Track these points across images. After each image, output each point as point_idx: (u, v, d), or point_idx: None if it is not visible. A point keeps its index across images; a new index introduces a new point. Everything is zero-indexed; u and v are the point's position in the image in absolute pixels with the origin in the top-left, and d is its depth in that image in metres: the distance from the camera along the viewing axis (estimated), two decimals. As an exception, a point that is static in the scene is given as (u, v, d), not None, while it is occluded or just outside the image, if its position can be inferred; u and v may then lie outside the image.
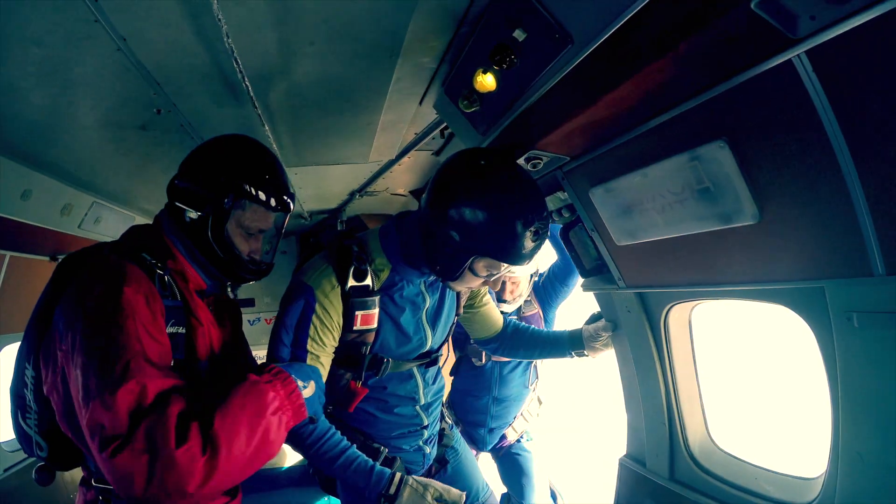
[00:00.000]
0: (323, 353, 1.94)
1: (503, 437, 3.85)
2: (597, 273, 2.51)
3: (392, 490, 1.86)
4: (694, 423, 2.44)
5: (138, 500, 1.24)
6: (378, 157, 3.51)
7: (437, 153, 3.55)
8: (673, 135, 1.68)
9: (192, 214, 1.68)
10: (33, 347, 1.54)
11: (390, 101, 2.40)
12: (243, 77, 1.81)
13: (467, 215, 1.75)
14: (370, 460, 1.94)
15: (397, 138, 3.10)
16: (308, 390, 1.63)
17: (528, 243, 1.79)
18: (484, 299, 2.65)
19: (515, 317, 3.68)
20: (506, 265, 1.87)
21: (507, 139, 2.07)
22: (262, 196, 1.72)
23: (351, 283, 1.94)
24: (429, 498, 1.85)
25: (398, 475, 1.89)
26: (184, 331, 1.60)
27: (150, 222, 1.80)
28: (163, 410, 1.28)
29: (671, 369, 2.43)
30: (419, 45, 1.91)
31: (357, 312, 1.97)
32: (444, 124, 2.78)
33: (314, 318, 1.90)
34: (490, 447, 3.88)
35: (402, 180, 4.32)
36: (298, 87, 2.17)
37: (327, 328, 1.93)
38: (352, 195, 4.69)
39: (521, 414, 3.86)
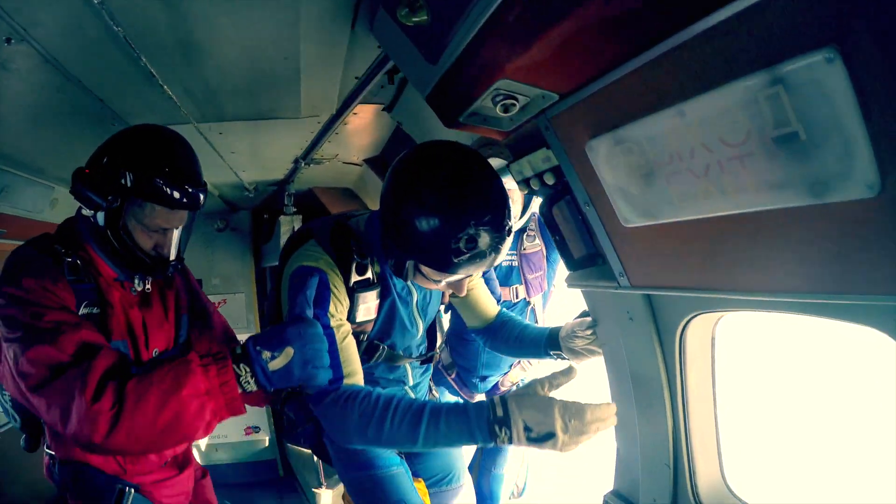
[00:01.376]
0: (343, 322, 1.88)
1: (496, 385, 3.75)
2: (589, 264, 1.83)
3: (500, 412, 1.55)
4: (706, 464, 1.86)
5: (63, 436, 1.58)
6: (313, 112, 2.99)
7: (389, 108, 2.92)
8: (734, 43, 1.04)
9: (86, 212, 1.78)
10: None
11: (307, 27, 1.94)
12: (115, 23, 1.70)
13: (402, 219, 1.68)
14: (452, 402, 1.68)
15: (331, 84, 2.58)
16: (277, 361, 1.54)
17: (465, 253, 1.63)
18: (472, 283, 2.43)
19: (513, 255, 3.53)
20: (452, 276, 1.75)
21: (468, 66, 1.45)
22: (161, 192, 1.74)
23: (354, 278, 1.93)
24: (541, 391, 1.60)
25: (495, 398, 1.60)
26: (97, 311, 1.76)
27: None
28: (89, 362, 1.50)
29: (684, 399, 1.81)
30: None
31: (360, 306, 1.97)
32: (391, 64, 2.20)
33: (331, 294, 1.85)
34: (482, 392, 3.78)
35: (354, 145, 3.89)
36: (185, 29, 1.89)
37: (341, 306, 1.89)
38: (296, 163, 4.23)
39: (520, 363, 3.71)
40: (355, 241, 1.94)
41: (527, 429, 1.50)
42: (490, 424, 1.52)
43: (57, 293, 1.62)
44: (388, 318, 2.07)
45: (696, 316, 1.65)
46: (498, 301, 3.24)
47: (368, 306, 1.98)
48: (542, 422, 1.50)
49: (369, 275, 1.95)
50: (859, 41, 0.86)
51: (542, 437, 1.49)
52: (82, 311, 1.70)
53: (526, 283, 3.51)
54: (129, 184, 1.70)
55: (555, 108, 1.53)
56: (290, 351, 1.53)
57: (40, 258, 1.67)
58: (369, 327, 2.04)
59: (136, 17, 1.71)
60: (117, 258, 1.80)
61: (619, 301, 1.84)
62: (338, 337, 1.78)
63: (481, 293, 2.47)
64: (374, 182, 4.23)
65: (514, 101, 1.52)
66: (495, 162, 1.99)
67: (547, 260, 3.59)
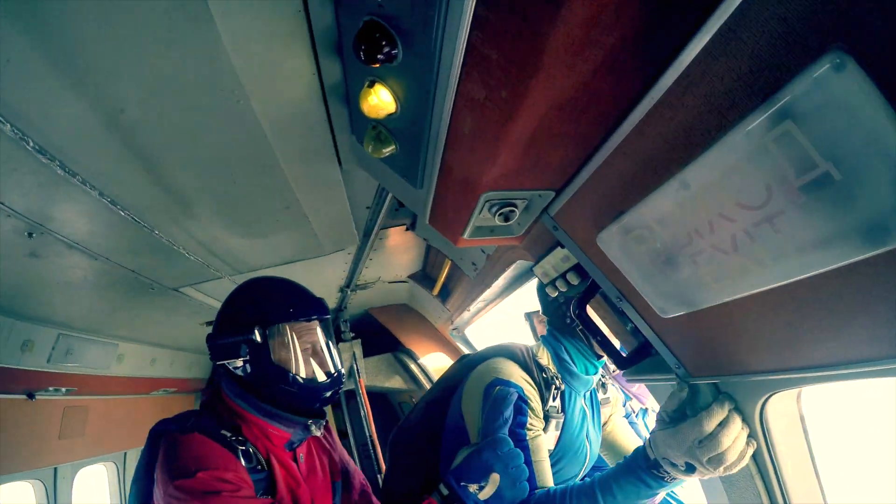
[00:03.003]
0: (539, 433, 1.79)
1: None
2: (643, 356, 1.62)
3: (651, 455, 1.54)
4: None
5: None
6: (338, 246, 3.00)
7: (412, 227, 2.83)
8: (717, 83, 0.91)
9: (238, 363, 1.67)
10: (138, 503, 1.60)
11: (296, 175, 1.98)
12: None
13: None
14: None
15: (343, 219, 2.57)
16: (486, 490, 1.53)
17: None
18: (613, 418, 2.28)
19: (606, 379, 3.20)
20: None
21: (450, 186, 1.36)
22: (285, 309, 1.72)
23: (550, 403, 1.86)
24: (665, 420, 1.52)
25: (646, 441, 1.58)
26: (271, 500, 1.59)
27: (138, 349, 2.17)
28: None
29: (780, 483, 1.53)
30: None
31: (550, 431, 1.86)
32: None
33: (528, 409, 1.77)
34: None
35: (393, 264, 3.90)
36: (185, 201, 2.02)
37: (538, 420, 1.81)
38: (342, 291, 4.30)
39: None
40: (544, 366, 1.91)
41: (672, 465, 1.47)
42: (650, 469, 1.52)
43: (241, 482, 1.53)
44: (562, 447, 1.95)
45: (773, 394, 1.41)
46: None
47: (553, 435, 1.89)
48: (677, 455, 1.44)
49: (558, 401, 1.90)
50: (869, 28, 0.69)
51: (688, 469, 1.44)
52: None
53: (633, 395, 3.33)
54: (260, 313, 1.69)
55: (555, 205, 1.40)
56: (495, 477, 1.53)
57: (212, 445, 1.56)
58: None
59: (137, 198, 1.80)
60: (287, 404, 1.70)
61: (681, 390, 1.59)
62: (532, 448, 1.74)
63: (623, 434, 2.28)
64: (423, 295, 4.17)
65: (513, 208, 1.40)
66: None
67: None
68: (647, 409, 3.26)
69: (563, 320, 1.90)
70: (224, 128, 1.62)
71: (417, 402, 2.20)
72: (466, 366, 2.02)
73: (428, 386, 4.84)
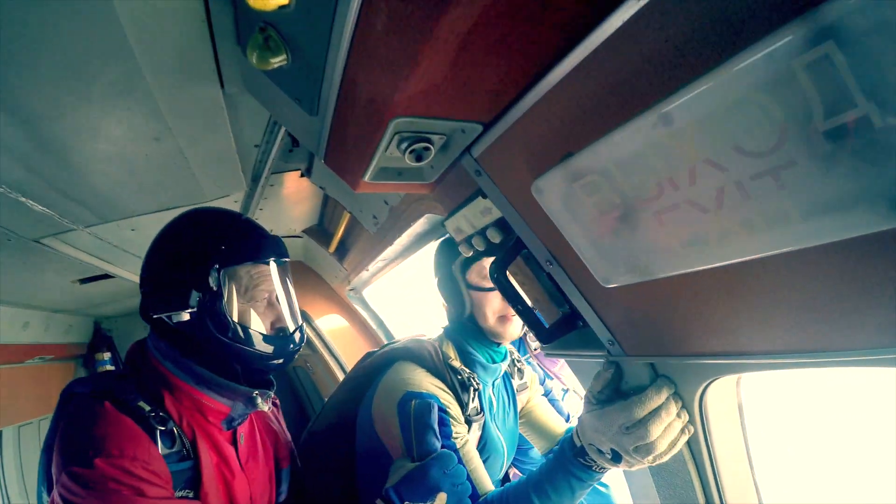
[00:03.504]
0: (465, 437, 1.67)
1: None
2: (567, 329, 1.39)
3: (577, 441, 1.43)
4: None
5: None
6: (222, 192, 2.54)
7: (308, 172, 2.50)
8: None
9: (183, 316, 1.36)
10: (46, 476, 1.29)
11: (173, 95, 1.57)
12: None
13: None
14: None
15: (227, 158, 2.15)
16: None
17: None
18: (532, 399, 2.17)
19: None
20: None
21: (352, 110, 1.07)
22: (243, 248, 1.42)
23: (471, 405, 1.75)
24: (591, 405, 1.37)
25: (574, 430, 1.45)
26: (193, 496, 1.32)
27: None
28: None
29: (714, 471, 1.37)
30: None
31: (472, 436, 1.75)
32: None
33: (449, 418, 1.64)
34: None
35: (286, 217, 3.51)
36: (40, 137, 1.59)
37: (460, 424, 1.69)
38: None
39: None
40: (458, 368, 1.77)
41: (599, 451, 1.35)
42: (576, 457, 1.42)
43: (150, 476, 1.24)
44: (485, 446, 1.85)
45: (715, 380, 1.23)
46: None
47: (475, 436, 1.78)
48: (603, 441, 1.31)
49: (477, 403, 1.78)
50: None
51: (613, 458, 1.32)
52: (178, 494, 1.31)
53: (555, 375, 3.26)
54: (207, 257, 1.38)
55: (480, 143, 1.13)
56: (442, 497, 1.41)
57: (122, 421, 1.25)
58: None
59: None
60: (233, 369, 1.44)
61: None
62: (465, 458, 1.61)
63: (544, 412, 2.17)
64: (319, 252, 3.81)
65: (428, 145, 1.12)
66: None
67: None
68: (567, 390, 3.13)
69: (462, 308, 1.80)
70: (77, 29, 1.22)
71: (325, 404, 2.05)
72: (374, 368, 1.88)
73: (324, 351, 4.55)
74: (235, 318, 1.39)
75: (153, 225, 2.77)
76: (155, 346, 1.42)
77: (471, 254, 1.47)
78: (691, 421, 1.29)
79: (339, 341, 4.45)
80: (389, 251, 2.60)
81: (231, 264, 1.40)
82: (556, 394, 2.36)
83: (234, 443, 1.47)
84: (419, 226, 2.07)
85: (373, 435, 1.70)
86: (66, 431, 1.24)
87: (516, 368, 2.09)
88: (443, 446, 1.54)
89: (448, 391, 1.71)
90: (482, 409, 1.80)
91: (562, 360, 3.10)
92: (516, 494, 1.51)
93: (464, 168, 1.22)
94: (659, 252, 0.92)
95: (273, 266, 1.49)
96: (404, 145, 1.11)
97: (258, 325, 1.43)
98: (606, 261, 1.02)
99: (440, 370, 1.73)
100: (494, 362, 1.84)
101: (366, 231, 2.63)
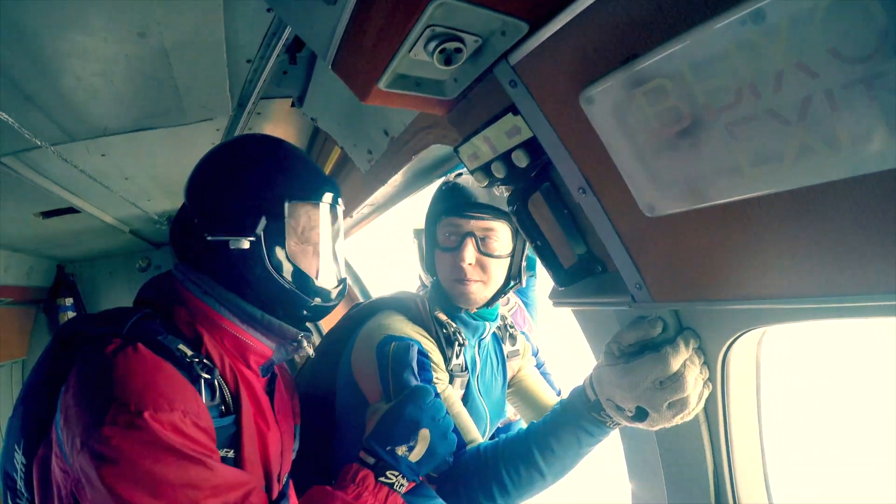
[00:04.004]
0: (447, 385, 1.59)
1: None
2: (583, 275, 1.30)
3: (591, 396, 1.32)
4: (753, 496, 1.37)
5: None
6: (204, 114, 2.37)
7: (299, 100, 2.36)
8: None
9: (243, 244, 1.23)
10: (24, 431, 1.16)
11: None
12: None
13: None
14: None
15: (216, 72, 1.98)
16: (417, 450, 1.27)
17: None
18: (524, 369, 2.08)
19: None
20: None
21: None
22: (312, 183, 1.34)
23: (454, 362, 1.66)
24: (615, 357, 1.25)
25: (586, 380, 1.35)
26: (234, 454, 1.19)
27: None
28: None
29: (727, 438, 1.30)
30: None
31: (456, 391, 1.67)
32: (288, 32, 1.71)
33: (430, 363, 1.55)
34: None
35: None
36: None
37: (443, 373, 1.60)
38: None
39: None
40: (444, 321, 1.68)
41: (618, 408, 1.25)
42: (590, 412, 1.32)
43: (206, 437, 1.10)
44: (468, 408, 1.73)
45: (745, 333, 1.15)
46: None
47: (457, 394, 1.69)
48: (627, 397, 1.20)
49: (462, 359, 1.70)
50: None
51: (637, 415, 1.22)
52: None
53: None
54: (279, 185, 1.28)
55: (521, 48, 1.00)
56: (425, 433, 1.29)
57: (165, 369, 1.10)
58: None
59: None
60: (282, 310, 1.32)
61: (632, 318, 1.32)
62: (446, 402, 1.52)
63: (535, 382, 2.07)
64: None
65: (460, 45, 0.99)
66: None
67: (521, 296, 3.06)
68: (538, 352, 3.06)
69: (433, 269, 1.73)
70: None
71: (304, 363, 1.96)
72: (354, 320, 1.80)
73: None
74: (292, 257, 1.31)
75: (125, 152, 2.66)
76: (191, 279, 1.28)
77: (486, 183, 1.35)
78: (711, 379, 1.21)
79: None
80: (379, 194, 2.47)
81: (301, 199, 1.32)
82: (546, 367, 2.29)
83: (270, 392, 1.41)
84: (418, 162, 1.94)
85: (353, 384, 1.62)
86: (92, 382, 1.05)
87: (508, 334, 2.01)
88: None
89: (431, 341, 1.64)
90: (466, 367, 1.72)
91: (529, 321, 2.99)
92: (513, 446, 1.41)
93: (496, 79, 1.09)
94: (722, 172, 0.82)
95: (338, 211, 1.42)
96: (433, 44, 0.98)
97: (310, 269, 1.35)
98: (657, 184, 0.92)
99: (425, 321, 1.66)
100: (483, 319, 1.75)
101: (355, 172, 2.49)
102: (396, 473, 1.25)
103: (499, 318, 1.86)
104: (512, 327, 2.04)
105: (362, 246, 3.92)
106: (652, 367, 1.15)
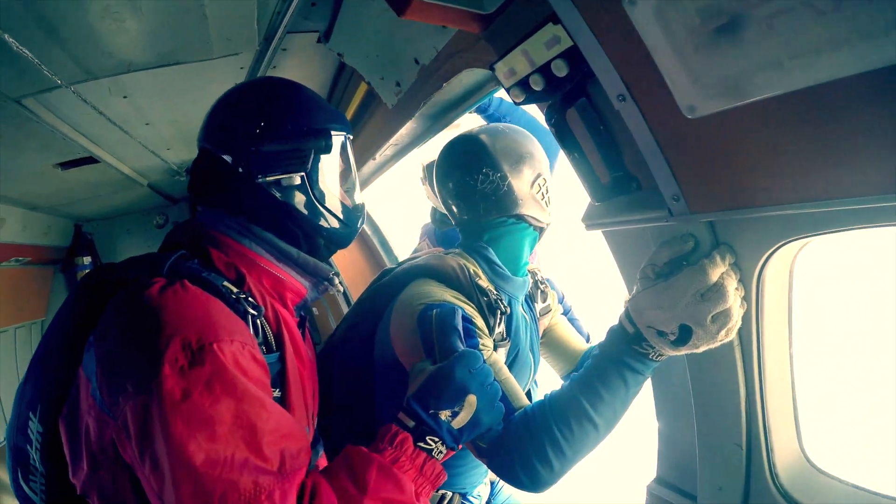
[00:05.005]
0: (492, 351, 1.50)
1: None
2: (619, 192, 1.33)
3: (629, 328, 1.29)
4: (783, 436, 1.39)
5: None
6: (229, 49, 2.33)
7: (326, 35, 2.35)
8: None
9: (295, 179, 1.26)
10: (42, 396, 1.11)
11: None
12: None
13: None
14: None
15: (243, 4, 1.95)
16: (462, 416, 1.18)
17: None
18: (554, 318, 2.03)
19: None
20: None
21: None
22: (338, 117, 1.37)
23: (497, 331, 1.58)
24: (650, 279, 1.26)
25: (622, 315, 1.33)
26: (280, 393, 1.18)
27: None
28: None
29: (760, 361, 1.31)
30: None
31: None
32: None
33: (476, 329, 1.47)
34: None
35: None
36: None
37: (488, 339, 1.51)
38: None
39: None
40: (485, 288, 1.59)
41: (660, 334, 1.21)
42: (632, 345, 1.28)
43: (257, 374, 1.06)
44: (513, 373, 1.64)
45: (784, 245, 1.15)
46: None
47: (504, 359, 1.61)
48: (668, 319, 1.18)
49: (503, 328, 1.60)
50: None
51: (680, 338, 1.19)
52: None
53: None
54: (319, 120, 1.30)
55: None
56: (472, 399, 1.20)
57: (217, 305, 1.08)
58: None
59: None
60: (315, 244, 1.33)
61: (666, 237, 1.32)
62: (493, 368, 1.39)
63: (564, 331, 2.03)
64: None
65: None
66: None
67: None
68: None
69: (478, 210, 1.62)
70: None
71: (337, 328, 1.87)
72: (387, 288, 1.71)
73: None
74: (333, 188, 1.34)
75: (148, 93, 2.65)
76: (224, 222, 1.26)
77: (522, 98, 1.36)
78: (745, 298, 1.22)
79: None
80: (404, 132, 2.48)
81: (337, 131, 1.33)
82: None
83: (302, 331, 1.39)
84: (446, 93, 1.95)
85: (393, 359, 1.57)
86: (140, 323, 1.01)
87: (539, 291, 1.94)
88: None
89: (473, 307, 1.56)
90: (508, 335, 1.65)
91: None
92: (561, 402, 1.34)
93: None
94: (762, 67, 0.84)
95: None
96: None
97: (345, 198, 1.38)
98: (698, 83, 0.94)
99: (467, 289, 1.58)
100: (520, 275, 1.71)
101: (381, 109, 2.49)
102: (436, 440, 1.16)
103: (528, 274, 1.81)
104: (543, 283, 1.98)
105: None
106: (691, 278, 1.15)
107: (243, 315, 1.12)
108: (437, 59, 1.76)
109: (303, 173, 1.26)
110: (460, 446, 1.21)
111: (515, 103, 1.39)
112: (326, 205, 1.31)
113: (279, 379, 1.19)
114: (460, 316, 1.45)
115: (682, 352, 1.21)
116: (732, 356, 1.32)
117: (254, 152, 1.23)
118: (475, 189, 1.59)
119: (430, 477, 1.16)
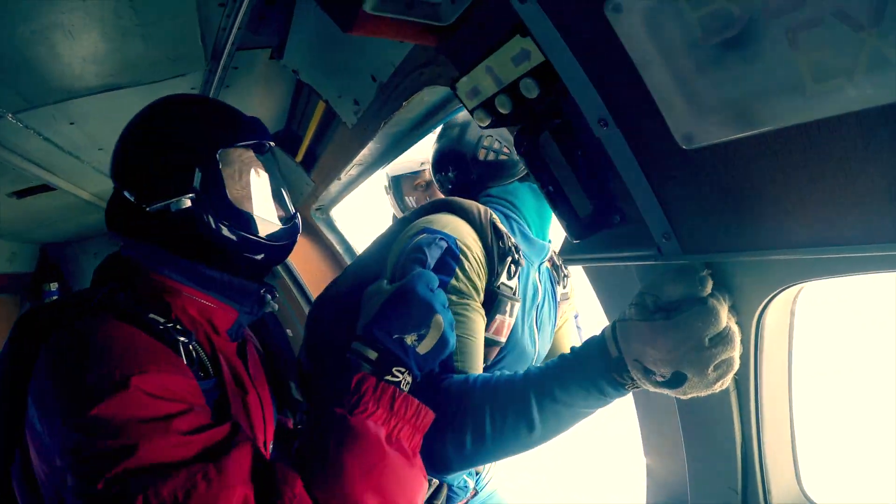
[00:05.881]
0: (475, 304, 1.37)
1: None
2: (601, 226, 1.16)
3: (613, 351, 1.09)
4: (781, 476, 1.26)
5: None
6: (178, 68, 2.20)
7: (278, 51, 2.20)
8: None
9: (186, 202, 1.15)
10: None
11: None
12: None
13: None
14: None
15: (186, 21, 1.83)
16: (428, 339, 1.06)
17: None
18: (567, 315, 1.99)
19: None
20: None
21: None
22: (235, 129, 1.25)
23: (503, 280, 1.43)
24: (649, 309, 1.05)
25: (607, 331, 1.12)
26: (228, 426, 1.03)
27: None
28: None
29: (757, 404, 1.17)
30: None
31: (497, 317, 1.44)
32: None
33: (457, 269, 1.34)
34: None
35: (262, 106, 3.03)
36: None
37: (478, 282, 1.38)
38: None
39: None
40: (503, 232, 1.46)
41: (646, 372, 1.03)
42: (610, 371, 1.09)
43: (193, 393, 1.02)
44: (513, 340, 1.54)
45: (784, 290, 1.00)
46: None
47: (502, 320, 1.47)
48: (664, 359, 0.99)
49: (515, 281, 1.47)
50: None
51: (673, 380, 1.01)
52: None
53: None
54: (204, 137, 1.20)
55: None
56: (439, 319, 1.08)
57: (141, 337, 1.03)
58: (491, 353, 1.50)
59: None
60: (236, 265, 1.24)
61: (654, 274, 1.17)
62: (459, 321, 1.31)
63: (567, 333, 1.98)
64: (285, 162, 3.38)
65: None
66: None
67: None
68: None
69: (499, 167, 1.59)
70: None
71: (346, 268, 1.74)
72: (407, 218, 1.60)
73: (286, 277, 4.24)
74: (239, 204, 1.23)
75: (95, 119, 2.47)
76: (141, 253, 1.20)
77: (487, 122, 1.19)
78: (743, 341, 1.05)
79: (301, 267, 4.15)
80: (367, 151, 2.30)
81: (231, 144, 1.23)
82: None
83: (242, 355, 1.30)
84: (409, 110, 1.79)
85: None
86: (67, 361, 0.96)
87: (562, 274, 1.82)
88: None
89: (481, 247, 1.44)
90: (517, 292, 1.51)
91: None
92: (507, 387, 1.18)
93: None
94: (780, 91, 0.68)
95: (271, 148, 1.34)
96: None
97: (260, 210, 1.27)
98: (698, 108, 0.77)
99: (483, 227, 1.46)
100: (544, 238, 1.62)
101: (342, 127, 2.33)
102: (402, 370, 1.05)
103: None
104: (565, 267, 1.84)
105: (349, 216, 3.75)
106: (703, 321, 0.97)
107: (172, 344, 1.06)
108: (395, 76, 1.61)
109: (191, 195, 1.17)
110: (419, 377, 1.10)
111: (480, 127, 1.23)
112: (236, 222, 1.21)
113: (218, 405, 1.12)
114: (443, 247, 1.35)
115: (666, 393, 1.05)
116: (728, 401, 1.19)
117: (139, 179, 1.18)
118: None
119: (406, 416, 1.03)
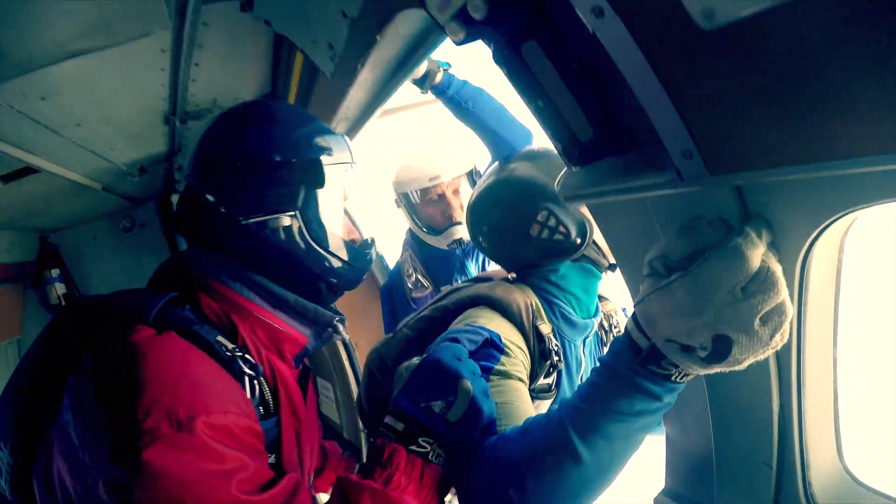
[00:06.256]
0: (521, 374, 1.37)
1: None
2: (607, 150, 0.95)
3: (643, 342, 0.93)
4: (822, 450, 1.10)
5: None
6: (141, 28, 2.00)
7: (249, 2, 2.03)
8: None
9: (284, 221, 1.15)
10: (14, 427, 1.05)
11: None
12: None
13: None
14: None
15: None
16: (457, 406, 1.03)
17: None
18: None
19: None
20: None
21: None
22: (342, 145, 1.29)
23: (541, 381, 1.48)
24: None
25: (629, 324, 0.97)
26: (275, 459, 1.10)
27: None
28: None
29: (799, 366, 1.00)
30: None
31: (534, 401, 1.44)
32: None
33: (502, 358, 1.34)
34: None
35: (231, 80, 2.95)
36: None
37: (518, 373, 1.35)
38: (169, 122, 3.16)
39: None
40: (545, 335, 1.48)
41: (683, 351, 0.87)
42: (647, 365, 0.93)
43: (258, 441, 0.99)
44: None
45: (839, 219, 0.81)
46: None
47: (541, 406, 1.53)
48: (697, 328, 0.83)
49: (552, 380, 1.51)
50: None
51: (715, 353, 0.84)
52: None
53: None
54: (315, 152, 1.21)
55: None
56: (466, 385, 1.05)
57: (208, 364, 1.00)
58: None
59: None
60: (316, 289, 1.25)
61: (676, 211, 0.98)
62: (505, 387, 1.30)
63: None
64: None
65: None
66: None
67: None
68: None
69: (537, 246, 1.54)
70: None
71: (391, 339, 1.73)
72: (452, 310, 1.60)
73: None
74: (330, 225, 1.25)
75: (66, 91, 2.48)
76: (213, 265, 1.17)
77: (462, 35, 0.99)
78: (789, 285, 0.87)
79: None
80: (351, 102, 2.13)
81: (332, 164, 1.24)
82: None
83: (303, 386, 1.29)
84: (388, 45, 1.61)
85: None
86: (120, 378, 0.90)
87: (611, 331, 1.80)
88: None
89: (525, 351, 1.44)
90: (555, 387, 1.56)
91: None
92: (540, 426, 1.08)
93: None
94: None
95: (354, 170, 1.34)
96: None
97: (347, 234, 1.32)
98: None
99: (525, 329, 1.47)
100: (589, 315, 1.62)
101: (322, 79, 2.17)
102: (431, 441, 1.03)
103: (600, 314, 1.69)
104: (616, 326, 1.81)
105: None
106: (724, 268, 0.80)
107: (239, 377, 1.04)
108: (365, 7, 1.43)
109: (293, 212, 1.18)
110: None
111: (455, 43, 1.03)
112: (326, 245, 1.23)
113: (275, 445, 1.12)
114: (491, 339, 1.35)
115: (721, 369, 0.88)
116: (765, 363, 1.01)
117: (236, 190, 1.16)
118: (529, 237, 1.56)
119: (432, 485, 1.03)
